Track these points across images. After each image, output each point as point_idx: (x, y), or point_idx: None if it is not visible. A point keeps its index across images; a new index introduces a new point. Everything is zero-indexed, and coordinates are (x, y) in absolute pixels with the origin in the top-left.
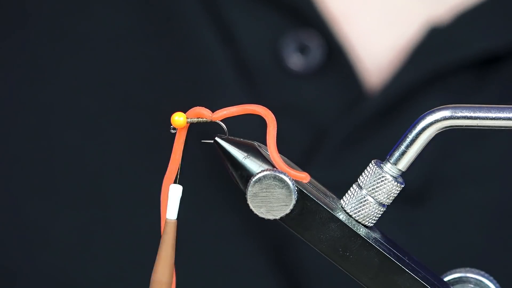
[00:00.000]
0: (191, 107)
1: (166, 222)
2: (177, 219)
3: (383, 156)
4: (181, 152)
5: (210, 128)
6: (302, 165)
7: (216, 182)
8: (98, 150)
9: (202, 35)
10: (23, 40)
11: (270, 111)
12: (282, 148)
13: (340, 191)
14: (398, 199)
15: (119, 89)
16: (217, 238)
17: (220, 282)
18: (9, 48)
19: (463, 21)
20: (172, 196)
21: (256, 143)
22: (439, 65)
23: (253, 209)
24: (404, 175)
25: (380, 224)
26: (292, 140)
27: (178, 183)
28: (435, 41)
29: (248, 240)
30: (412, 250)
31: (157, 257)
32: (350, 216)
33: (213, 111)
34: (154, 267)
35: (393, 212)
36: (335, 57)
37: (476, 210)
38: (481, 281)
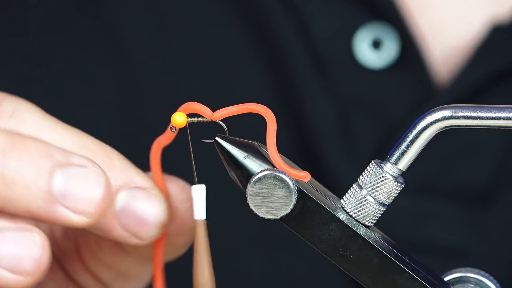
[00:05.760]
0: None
1: (196, 223)
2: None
3: (455, 153)
4: (160, 154)
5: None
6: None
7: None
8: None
9: (278, 25)
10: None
11: (270, 110)
12: (354, 143)
13: (407, 187)
14: (467, 200)
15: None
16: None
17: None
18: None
19: None
20: (197, 197)
21: (256, 143)
22: (502, 64)
23: (253, 209)
24: (405, 174)
25: (448, 224)
26: (363, 134)
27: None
28: (499, 41)
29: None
30: (480, 251)
31: (193, 260)
32: (350, 216)
33: (213, 111)
34: (194, 271)
35: (461, 213)
36: (409, 52)
37: None
38: (481, 281)
